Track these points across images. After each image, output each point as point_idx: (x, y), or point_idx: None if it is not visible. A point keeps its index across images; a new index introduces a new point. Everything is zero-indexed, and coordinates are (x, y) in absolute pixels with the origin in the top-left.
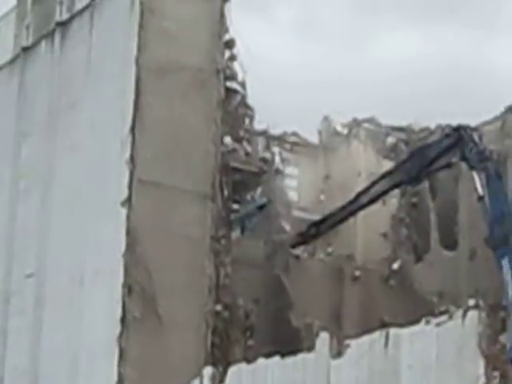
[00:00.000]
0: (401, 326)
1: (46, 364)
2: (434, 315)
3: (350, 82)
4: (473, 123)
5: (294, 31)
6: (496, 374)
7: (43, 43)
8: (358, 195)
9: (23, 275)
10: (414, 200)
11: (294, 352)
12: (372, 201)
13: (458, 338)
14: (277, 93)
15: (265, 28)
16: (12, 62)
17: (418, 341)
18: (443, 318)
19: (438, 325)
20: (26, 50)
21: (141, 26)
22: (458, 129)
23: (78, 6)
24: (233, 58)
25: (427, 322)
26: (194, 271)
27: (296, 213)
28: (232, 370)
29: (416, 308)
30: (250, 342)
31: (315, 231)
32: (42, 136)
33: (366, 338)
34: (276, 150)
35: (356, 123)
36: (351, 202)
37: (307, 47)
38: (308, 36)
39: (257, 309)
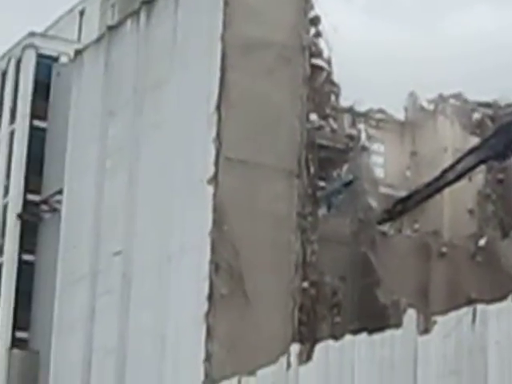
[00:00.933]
0: (488, 302)
1: (134, 342)
2: None
3: (433, 58)
4: None
5: (368, 10)
6: None
7: (129, 22)
8: (444, 171)
9: (110, 253)
10: (501, 176)
11: (381, 329)
12: (458, 177)
13: None
14: (362, 70)
15: (341, 7)
16: (98, 41)
17: (505, 317)
18: None
19: None
20: (111, 28)
21: (226, 3)
22: None
23: None
24: (318, 34)
25: None
26: (280, 248)
27: (382, 189)
28: (319, 347)
29: (503, 284)
30: (337, 319)
31: (402, 208)
32: (129, 115)
33: (453, 315)
34: (362, 126)
35: (442, 99)
36: (437, 179)
37: (381, 26)
38: (381, 15)
39: (343, 286)
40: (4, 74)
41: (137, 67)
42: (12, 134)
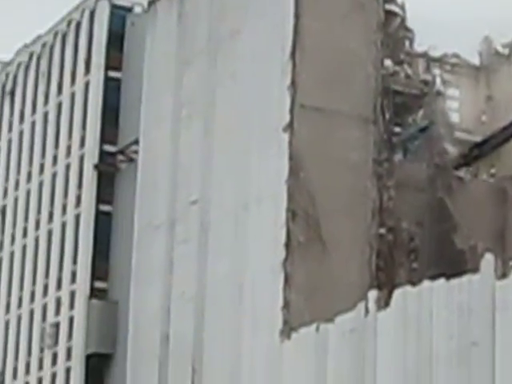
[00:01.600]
0: None
1: (212, 290)
2: None
3: (508, 2)
4: None
5: None
6: None
7: None
8: None
9: (188, 202)
10: None
11: (458, 274)
12: None
13: None
14: (436, 15)
15: None
16: None
17: None
18: None
19: None
20: None
21: None
22: None
23: None
24: None
25: None
26: (356, 195)
27: (458, 134)
28: (397, 293)
29: None
30: (415, 265)
31: (478, 152)
32: (203, 64)
33: None
34: (437, 71)
35: None
36: None
37: None
38: None
39: (421, 231)
40: (78, 25)
41: (211, 17)
42: (87, 84)
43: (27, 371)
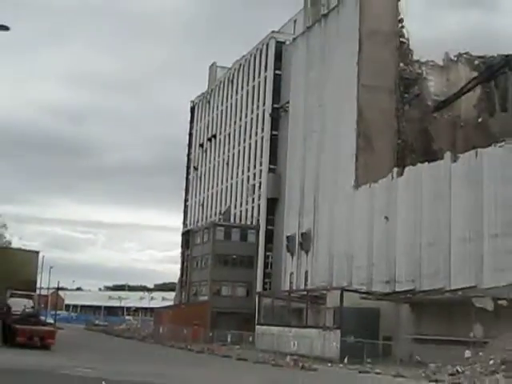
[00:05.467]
0: None
1: None
2: None
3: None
4: None
5: None
6: None
7: None
8: None
9: None
10: None
11: None
12: None
13: None
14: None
15: None
16: None
17: None
18: None
19: None
20: None
21: None
22: None
23: None
24: None
25: None
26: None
27: (433, 96)
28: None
29: None
30: None
31: (442, 104)
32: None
33: None
34: (423, 68)
35: None
36: None
37: None
38: None
39: None
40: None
41: None
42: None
43: None
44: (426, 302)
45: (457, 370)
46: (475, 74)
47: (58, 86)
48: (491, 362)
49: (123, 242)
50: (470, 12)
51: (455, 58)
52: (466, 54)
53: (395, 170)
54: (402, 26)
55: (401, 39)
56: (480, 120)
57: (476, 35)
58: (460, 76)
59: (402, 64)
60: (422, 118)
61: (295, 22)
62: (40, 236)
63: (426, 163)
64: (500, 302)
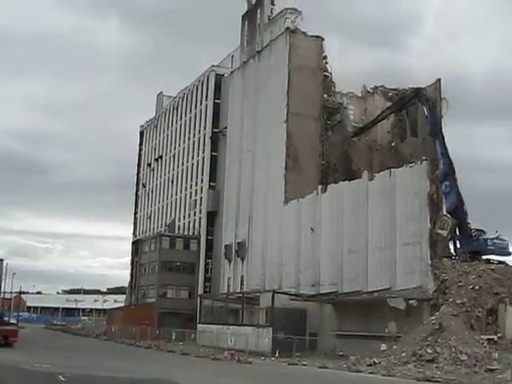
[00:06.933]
0: None
1: None
2: None
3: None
4: None
5: None
6: None
7: None
8: None
9: None
10: None
11: None
12: None
13: None
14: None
15: None
16: None
17: None
18: None
19: None
20: None
21: None
22: None
23: None
24: None
25: None
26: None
27: (353, 124)
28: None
29: None
30: None
31: (360, 130)
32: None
33: None
34: (344, 98)
35: None
36: None
37: None
38: None
39: None
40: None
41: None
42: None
43: None
44: (346, 302)
45: (374, 362)
46: (389, 104)
47: (18, 111)
48: (403, 354)
49: (78, 250)
50: (383, 50)
51: (372, 90)
52: (381, 86)
53: (320, 187)
54: (326, 62)
55: (324, 73)
56: (393, 144)
57: (389, 70)
58: (376, 106)
59: (325, 95)
60: (343, 142)
61: (232, 57)
62: (3, 245)
63: (347, 181)
64: (411, 301)
